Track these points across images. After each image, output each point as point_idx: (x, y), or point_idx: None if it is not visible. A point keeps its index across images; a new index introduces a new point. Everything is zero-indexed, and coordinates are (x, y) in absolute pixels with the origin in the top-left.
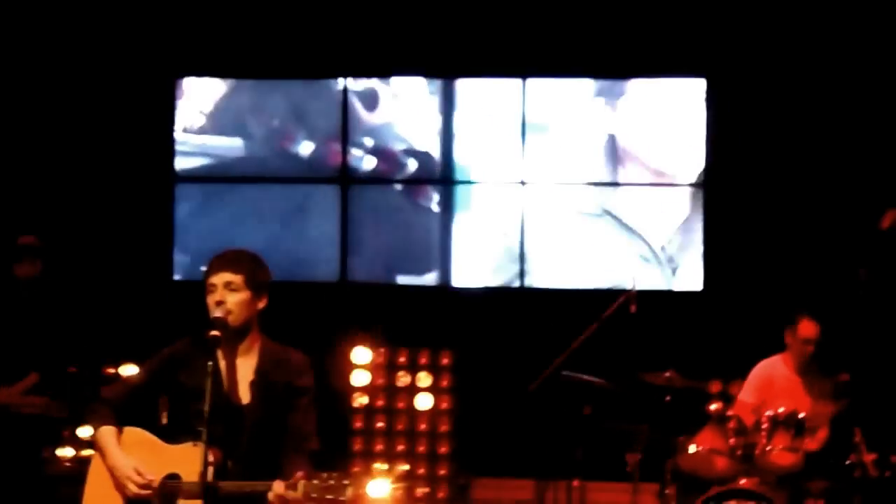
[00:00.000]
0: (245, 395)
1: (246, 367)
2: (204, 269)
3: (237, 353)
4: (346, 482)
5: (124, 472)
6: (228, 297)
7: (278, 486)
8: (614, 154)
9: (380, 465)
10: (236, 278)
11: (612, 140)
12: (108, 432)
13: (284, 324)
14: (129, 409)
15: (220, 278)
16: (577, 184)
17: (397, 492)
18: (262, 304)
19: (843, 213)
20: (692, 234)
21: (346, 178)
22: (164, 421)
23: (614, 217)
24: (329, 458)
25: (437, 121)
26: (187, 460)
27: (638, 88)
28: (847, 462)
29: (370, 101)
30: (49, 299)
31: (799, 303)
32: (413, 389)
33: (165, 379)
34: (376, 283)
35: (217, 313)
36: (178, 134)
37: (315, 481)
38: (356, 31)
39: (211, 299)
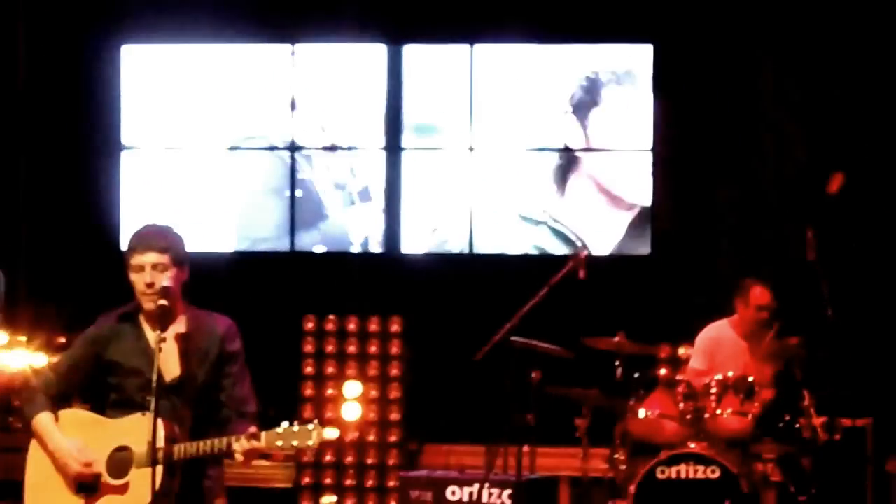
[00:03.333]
0: (179, 366)
1: (176, 337)
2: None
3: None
4: (310, 427)
5: (65, 453)
6: (158, 278)
7: (241, 441)
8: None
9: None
10: (163, 258)
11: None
12: (45, 418)
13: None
14: (62, 393)
15: (146, 259)
16: (526, 150)
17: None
18: (185, 276)
19: (792, 176)
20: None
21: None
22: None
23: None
24: (275, 423)
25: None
26: (134, 431)
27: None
28: (796, 425)
29: None
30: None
31: (746, 266)
32: (364, 356)
33: (93, 358)
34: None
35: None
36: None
37: (277, 430)
38: None
39: (139, 279)
